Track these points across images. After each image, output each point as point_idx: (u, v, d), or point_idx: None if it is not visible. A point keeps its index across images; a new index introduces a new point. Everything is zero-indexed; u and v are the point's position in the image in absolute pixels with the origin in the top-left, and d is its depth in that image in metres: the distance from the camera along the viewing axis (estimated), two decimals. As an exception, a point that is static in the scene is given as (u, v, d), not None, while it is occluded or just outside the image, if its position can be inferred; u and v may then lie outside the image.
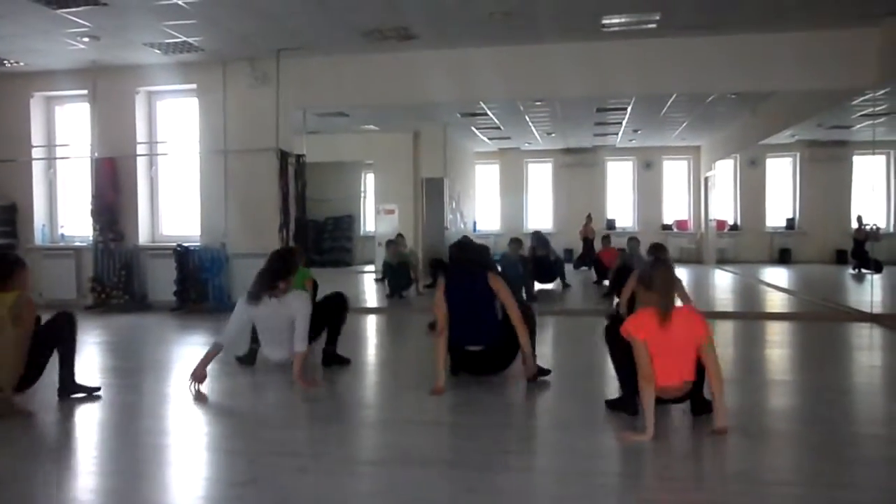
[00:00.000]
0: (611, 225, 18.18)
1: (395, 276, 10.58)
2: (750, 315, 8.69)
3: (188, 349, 6.83)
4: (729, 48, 8.30)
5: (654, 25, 7.89)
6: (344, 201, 18.27)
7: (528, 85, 9.13)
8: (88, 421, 4.31)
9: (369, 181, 17.70)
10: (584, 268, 15.47)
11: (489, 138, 16.87)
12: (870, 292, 9.66)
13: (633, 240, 10.46)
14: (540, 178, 19.65)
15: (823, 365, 5.88)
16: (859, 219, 14.63)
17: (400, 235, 11.95)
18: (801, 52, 8.20)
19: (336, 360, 5.58)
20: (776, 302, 10.10)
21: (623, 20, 7.75)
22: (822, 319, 8.15)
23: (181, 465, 3.49)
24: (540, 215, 19.29)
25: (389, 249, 10.95)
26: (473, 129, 15.26)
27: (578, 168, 18.92)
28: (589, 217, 16.37)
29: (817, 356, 6.45)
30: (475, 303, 4.82)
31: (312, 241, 15.24)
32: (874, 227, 11.93)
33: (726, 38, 8.24)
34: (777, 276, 14.10)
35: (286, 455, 3.49)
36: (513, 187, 19.40)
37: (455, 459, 3.45)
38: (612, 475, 3.29)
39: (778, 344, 7.04)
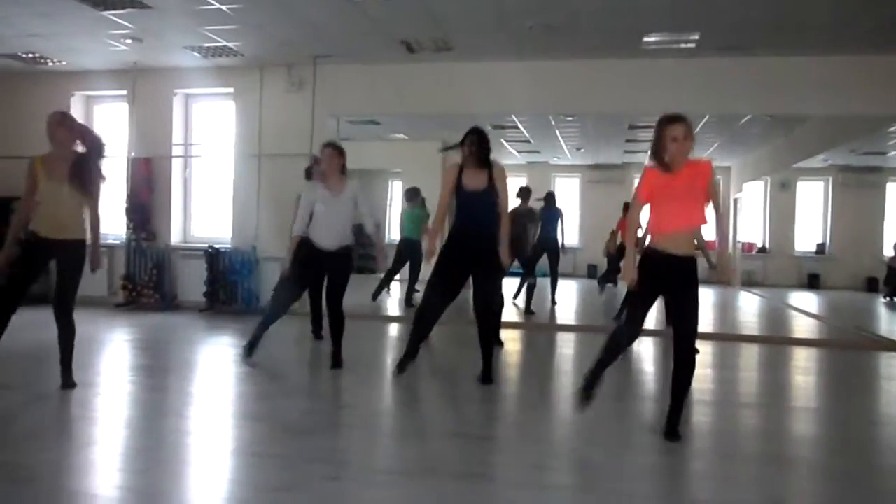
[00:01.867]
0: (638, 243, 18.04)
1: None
2: (776, 339, 8.55)
3: (216, 349, 6.90)
4: (764, 70, 8.24)
5: (692, 45, 7.86)
6: (370, 209, 18.30)
7: (561, 100, 9.12)
8: (114, 418, 4.35)
9: (397, 189, 17.77)
10: (609, 284, 15.34)
11: (518, 151, 16.87)
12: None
13: None
14: (567, 192, 19.58)
15: (852, 393, 5.79)
16: (896, 246, 14.44)
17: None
18: (836, 76, 8.12)
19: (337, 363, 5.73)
20: (804, 327, 9.95)
21: (663, 38, 7.73)
22: (852, 347, 8.01)
23: (212, 467, 3.51)
24: (566, 230, 19.17)
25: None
26: (503, 141, 15.26)
27: (606, 184, 18.84)
28: (614, 232, 16.20)
29: (846, 384, 6.34)
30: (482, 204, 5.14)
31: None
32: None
33: (762, 59, 8.18)
34: (806, 301, 13.90)
35: (316, 462, 3.50)
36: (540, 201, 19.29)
37: (487, 473, 3.42)
38: (650, 498, 3.25)
39: (805, 370, 6.94)
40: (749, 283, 16.58)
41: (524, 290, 10.07)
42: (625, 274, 4.02)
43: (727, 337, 8.37)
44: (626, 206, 13.25)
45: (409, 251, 10.09)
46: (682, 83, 8.52)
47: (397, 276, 10.72)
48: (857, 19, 6.91)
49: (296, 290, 5.89)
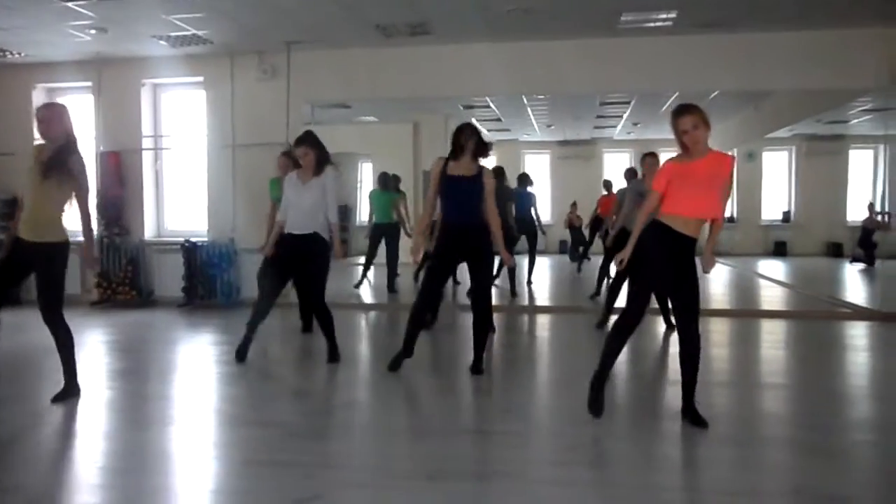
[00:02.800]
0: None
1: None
2: (749, 313, 8.68)
3: (199, 348, 6.77)
4: (739, 46, 8.28)
5: (670, 23, 7.86)
6: (339, 192, 18.10)
7: (538, 81, 9.04)
8: (96, 430, 4.25)
9: (366, 172, 17.60)
10: (585, 260, 15.38)
11: (488, 130, 16.77)
12: (875, 288, 9.75)
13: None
14: (537, 169, 19.60)
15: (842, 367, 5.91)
16: (870, 206, 14.67)
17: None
18: (808, 50, 8.19)
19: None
20: (777, 298, 10.13)
21: (640, 17, 7.71)
22: (827, 318, 8.19)
23: (225, 481, 3.43)
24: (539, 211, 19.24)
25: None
26: (473, 120, 15.18)
27: (575, 160, 18.92)
28: (574, 204, 16.32)
29: (833, 356, 6.48)
30: (470, 191, 5.14)
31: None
32: (886, 216, 11.85)
33: (738, 36, 8.21)
34: (774, 269, 14.17)
35: (335, 468, 3.45)
36: (509, 178, 19.28)
37: (507, 471, 3.41)
38: (673, 490, 3.27)
39: (788, 344, 7.08)
40: (717, 252, 16.77)
41: (504, 272, 10.04)
42: (622, 254, 4.09)
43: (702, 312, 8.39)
44: (607, 184, 13.34)
45: (381, 236, 10.06)
46: (659, 61, 8.53)
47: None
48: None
49: (276, 282, 5.81)
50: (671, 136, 4.02)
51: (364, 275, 10.38)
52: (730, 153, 16.88)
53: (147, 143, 9.51)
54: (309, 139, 5.64)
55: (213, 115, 9.21)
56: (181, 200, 9.80)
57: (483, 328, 5.34)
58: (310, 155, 5.56)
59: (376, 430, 4.13)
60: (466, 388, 5.09)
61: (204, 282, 8.94)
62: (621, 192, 8.71)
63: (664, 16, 7.65)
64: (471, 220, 5.15)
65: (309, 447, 3.79)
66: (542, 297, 10.34)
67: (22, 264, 4.56)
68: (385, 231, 10.02)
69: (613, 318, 4.71)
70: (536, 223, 10.85)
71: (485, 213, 5.18)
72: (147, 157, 9.53)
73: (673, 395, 4.42)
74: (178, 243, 9.08)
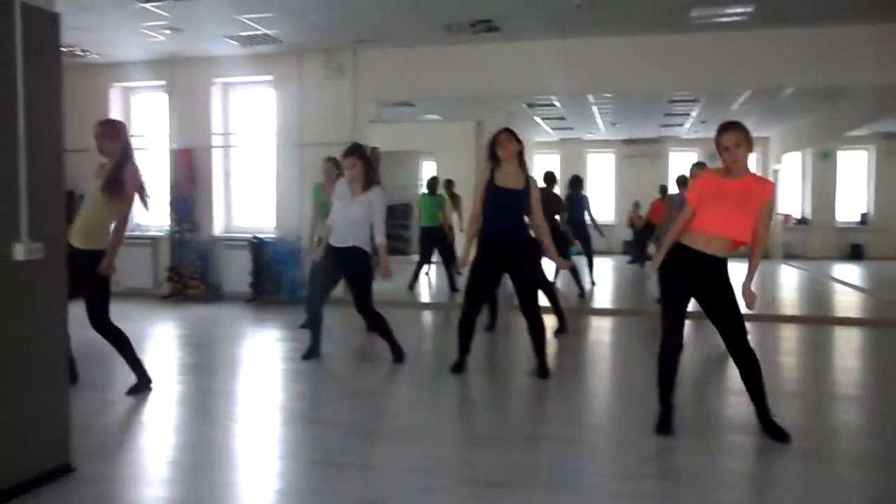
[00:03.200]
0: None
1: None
2: (823, 319, 8.26)
3: (265, 343, 6.86)
4: (816, 40, 7.93)
5: (745, 18, 7.60)
6: (400, 190, 18.18)
7: (605, 79, 8.85)
8: (165, 423, 4.32)
9: (428, 170, 17.62)
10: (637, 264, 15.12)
11: (552, 128, 16.63)
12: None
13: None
14: (601, 168, 19.33)
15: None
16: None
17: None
18: (890, 44, 7.79)
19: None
20: (852, 304, 9.68)
21: (713, 12, 7.47)
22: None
23: (291, 480, 3.45)
24: (600, 206, 18.97)
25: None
26: (537, 118, 15.04)
27: (641, 159, 18.55)
28: (636, 204, 16.01)
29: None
30: (517, 204, 5.09)
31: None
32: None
33: (816, 30, 7.87)
34: (850, 273, 13.59)
35: (403, 471, 3.43)
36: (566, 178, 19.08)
37: (577, 481, 3.33)
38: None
39: (856, 353, 6.76)
40: (789, 255, 16.26)
41: (563, 275, 9.89)
42: (653, 262, 4.06)
43: (771, 318, 8.08)
44: (663, 189, 13.03)
45: (431, 240, 10.15)
46: (731, 57, 8.25)
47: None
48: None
49: (322, 286, 5.85)
50: None
51: (416, 276, 10.38)
52: (801, 150, 16.34)
53: (217, 140, 9.71)
54: (357, 151, 5.65)
55: (281, 113, 9.34)
56: (249, 197, 9.97)
57: (538, 333, 5.27)
58: (357, 166, 5.56)
59: (440, 433, 4.10)
60: (530, 393, 5.02)
61: (270, 278, 9.09)
62: (670, 198, 8.52)
63: (739, 10, 7.40)
64: (510, 231, 5.10)
65: (373, 448, 3.78)
66: (605, 299, 10.15)
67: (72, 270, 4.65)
68: (432, 234, 10.11)
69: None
70: (591, 225, 10.72)
71: (529, 224, 5.15)
72: (217, 155, 9.73)
73: (746, 405, 4.26)
74: (245, 240, 9.26)
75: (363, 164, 5.58)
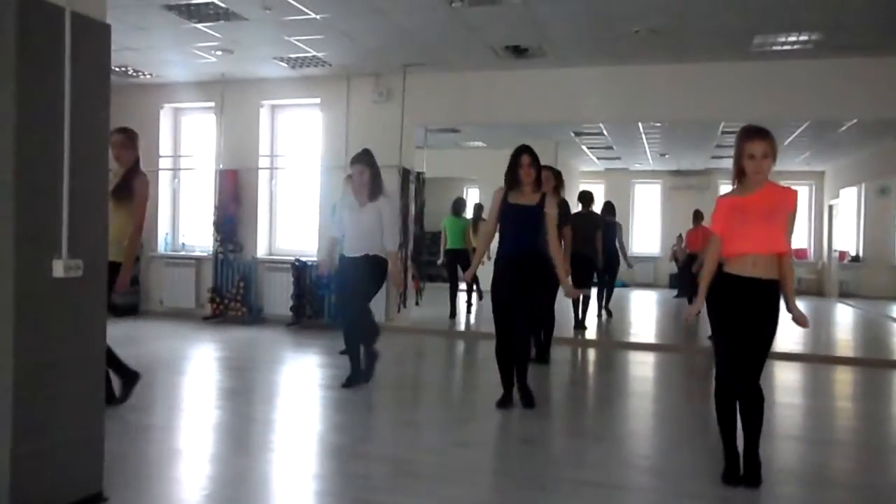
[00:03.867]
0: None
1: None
2: (880, 362, 7.75)
3: (305, 369, 6.70)
4: (881, 71, 7.61)
5: (809, 46, 7.31)
6: (441, 217, 18.07)
7: (657, 107, 8.63)
8: (202, 452, 4.15)
9: (472, 197, 17.47)
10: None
11: (598, 157, 16.39)
12: None
13: None
14: (647, 199, 18.98)
15: None
16: None
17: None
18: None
19: None
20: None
21: (776, 39, 7.21)
22: None
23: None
24: (646, 238, 18.61)
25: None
26: (584, 147, 14.83)
27: (688, 191, 18.14)
28: (680, 237, 15.58)
29: None
30: (530, 221, 4.91)
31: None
32: None
33: (880, 60, 7.55)
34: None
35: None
36: (618, 209, 18.76)
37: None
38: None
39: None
40: (843, 293, 15.65)
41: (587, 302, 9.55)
42: (692, 307, 3.69)
43: (820, 359, 7.69)
44: (697, 214, 12.54)
45: (454, 261, 10.03)
46: (792, 86, 7.96)
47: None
48: None
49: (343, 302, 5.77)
50: (793, 168, 3.66)
51: (453, 304, 10.13)
52: (857, 185, 15.78)
53: (263, 162, 9.69)
54: (366, 158, 5.57)
55: (328, 136, 9.28)
56: (293, 220, 9.90)
57: (520, 357, 5.09)
58: (366, 174, 5.48)
59: (486, 473, 3.86)
60: (579, 432, 4.75)
61: (312, 301, 8.97)
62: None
63: (804, 38, 7.12)
64: (526, 250, 4.91)
65: (417, 488, 3.55)
66: (647, 333, 9.79)
67: None
68: (458, 256, 9.96)
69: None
70: (620, 254, 10.50)
71: (543, 243, 4.93)
72: (263, 176, 9.70)
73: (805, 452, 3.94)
74: (288, 262, 9.17)
75: (371, 172, 5.50)
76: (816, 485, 3.78)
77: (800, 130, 11.75)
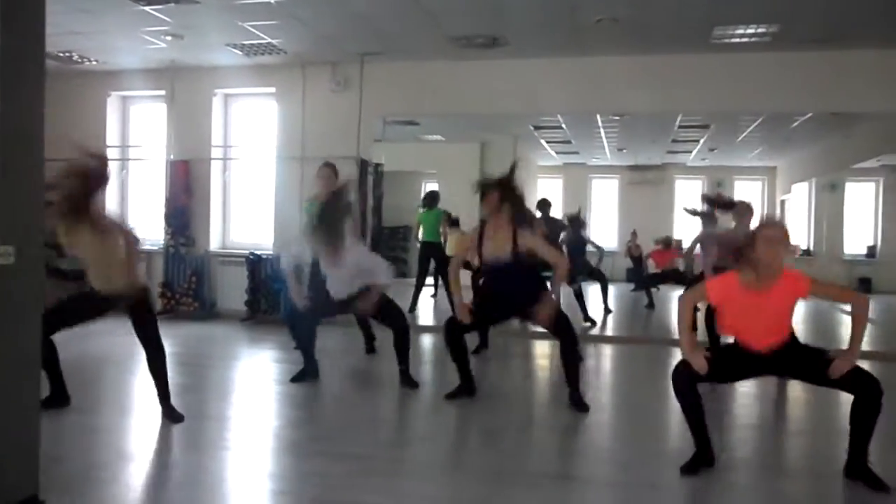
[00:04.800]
0: (678, 245, 17.52)
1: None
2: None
3: (260, 365, 6.49)
4: (838, 64, 7.69)
5: (768, 39, 7.35)
6: (400, 211, 17.88)
7: (617, 98, 8.57)
8: (169, 453, 3.95)
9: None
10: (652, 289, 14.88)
11: (557, 152, 16.39)
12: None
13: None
14: (604, 194, 19.09)
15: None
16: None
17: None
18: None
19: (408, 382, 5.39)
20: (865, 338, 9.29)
21: (737, 31, 7.22)
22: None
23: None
24: (603, 233, 18.70)
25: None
26: (543, 142, 14.80)
27: (645, 186, 18.32)
28: (634, 233, 15.78)
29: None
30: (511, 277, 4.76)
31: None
32: None
33: (838, 53, 7.61)
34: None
35: None
36: (575, 203, 18.85)
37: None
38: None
39: None
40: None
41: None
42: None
43: None
44: (667, 241, 12.85)
45: (429, 254, 9.93)
46: (747, 80, 7.99)
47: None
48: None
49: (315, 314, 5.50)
50: (745, 163, 3.64)
51: (416, 297, 9.96)
52: (808, 181, 16.12)
53: (216, 153, 9.40)
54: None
55: (284, 126, 9.04)
56: (247, 212, 9.64)
57: (570, 360, 4.88)
58: (332, 179, 5.66)
59: (448, 468, 3.74)
60: (539, 424, 4.66)
61: (267, 296, 8.74)
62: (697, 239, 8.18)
63: (762, 30, 7.15)
64: (509, 295, 4.80)
65: (376, 485, 3.41)
66: (609, 326, 9.80)
67: None
68: (430, 248, 9.88)
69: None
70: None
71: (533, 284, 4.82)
72: (216, 168, 9.41)
73: (790, 446, 3.91)
74: (242, 256, 8.91)
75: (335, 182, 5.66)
76: (770, 471, 3.74)
77: (754, 125, 11.88)
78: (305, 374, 5.53)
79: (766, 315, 3.41)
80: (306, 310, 5.31)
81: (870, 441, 3.40)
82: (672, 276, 11.54)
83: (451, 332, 4.94)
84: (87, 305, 4.36)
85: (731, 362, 3.61)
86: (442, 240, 10.12)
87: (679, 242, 13.03)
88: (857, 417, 3.38)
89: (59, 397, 4.50)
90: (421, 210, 10.36)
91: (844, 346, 3.47)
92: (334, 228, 4.98)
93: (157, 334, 4.47)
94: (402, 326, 5.38)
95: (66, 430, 4.11)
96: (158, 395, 4.44)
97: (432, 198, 10.34)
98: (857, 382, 3.36)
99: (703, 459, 3.59)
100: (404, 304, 9.60)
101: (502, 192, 4.74)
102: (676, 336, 5.35)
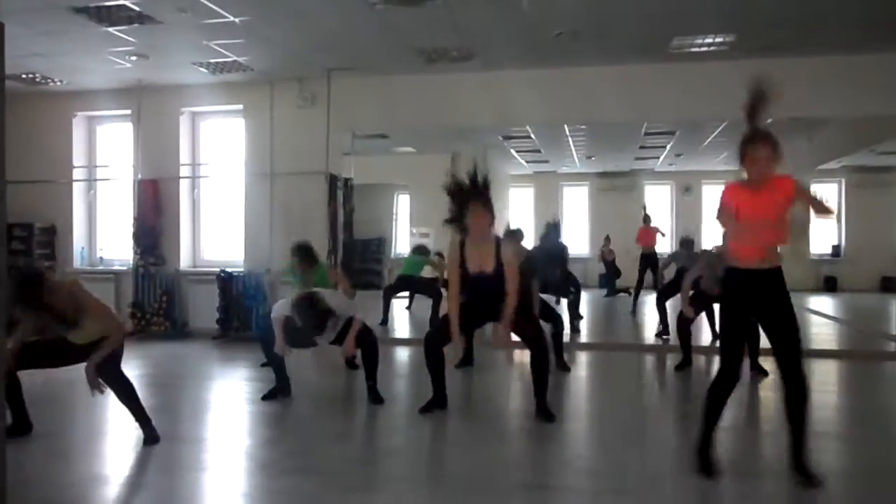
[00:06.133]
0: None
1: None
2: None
3: (233, 384, 6.47)
4: (795, 71, 7.88)
5: (726, 48, 7.52)
6: (374, 223, 17.91)
7: (582, 109, 8.74)
8: (141, 475, 3.94)
9: (402, 203, 17.45)
10: (623, 294, 15.10)
11: (527, 161, 16.54)
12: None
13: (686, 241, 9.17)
14: (575, 201, 19.27)
15: None
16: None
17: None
18: (868, 75, 7.79)
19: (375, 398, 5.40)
20: (829, 336, 9.49)
21: (694, 41, 7.39)
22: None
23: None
24: (575, 239, 18.86)
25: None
26: (512, 151, 14.94)
27: (615, 192, 18.54)
28: (608, 238, 15.98)
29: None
30: (492, 290, 4.77)
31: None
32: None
33: (794, 60, 7.82)
34: (826, 305, 13.52)
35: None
36: (547, 211, 19.00)
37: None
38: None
39: (837, 387, 6.57)
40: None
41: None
42: (683, 307, 3.71)
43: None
44: (646, 217, 13.02)
45: (405, 286, 10.27)
46: (709, 87, 8.16)
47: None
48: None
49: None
50: (713, 167, 3.71)
51: (386, 310, 10.06)
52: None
53: (185, 171, 9.38)
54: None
55: (252, 143, 9.06)
56: (218, 230, 9.62)
57: (539, 370, 4.91)
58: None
59: (423, 481, 3.78)
60: (517, 435, 4.71)
61: (239, 313, 8.72)
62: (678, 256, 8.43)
63: (719, 40, 7.33)
64: (485, 310, 4.86)
65: (350, 501, 3.44)
66: (584, 333, 9.89)
67: None
68: (407, 282, 10.17)
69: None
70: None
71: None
72: (185, 186, 9.39)
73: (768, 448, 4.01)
74: (213, 273, 8.89)
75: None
76: (752, 475, 3.83)
77: (718, 131, 12.10)
78: (277, 392, 5.54)
79: (764, 209, 3.50)
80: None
81: (805, 434, 3.53)
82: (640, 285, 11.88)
83: (431, 343, 4.97)
84: (63, 353, 4.35)
85: (734, 299, 3.65)
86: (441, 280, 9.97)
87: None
88: (790, 409, 3.54)
89: (21, 425, 4.45)
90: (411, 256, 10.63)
91: (817, 346, 3.57)
92: (317, 318, 4.97)
93: (118, 372, 4.41)
94: (371, 342, 5.40)
95: (35, 454, 4.08)
96: (136, 420, 4.41)
97: (422, 249, 10.64)
98: (792, 371, 3.52)
99: (704, 463, 3.69)
100: (374, 316, 9.70)
101: (489, 209, 4.77)
102: (648, 342, 5.41)
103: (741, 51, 7.62)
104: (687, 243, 8.89)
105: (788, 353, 3.56)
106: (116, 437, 4.51)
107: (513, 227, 8.52)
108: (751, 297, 3.59)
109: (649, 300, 11.68)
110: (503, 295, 4.77)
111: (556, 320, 6.82)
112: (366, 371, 5.44)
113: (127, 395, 4.41)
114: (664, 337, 8.39)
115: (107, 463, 4.17)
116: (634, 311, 11.69)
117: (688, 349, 6.74)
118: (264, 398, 5.50)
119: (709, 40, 7.35)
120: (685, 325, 6.63)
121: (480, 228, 4.73)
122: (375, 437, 4.82)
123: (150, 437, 4.38)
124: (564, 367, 6.77)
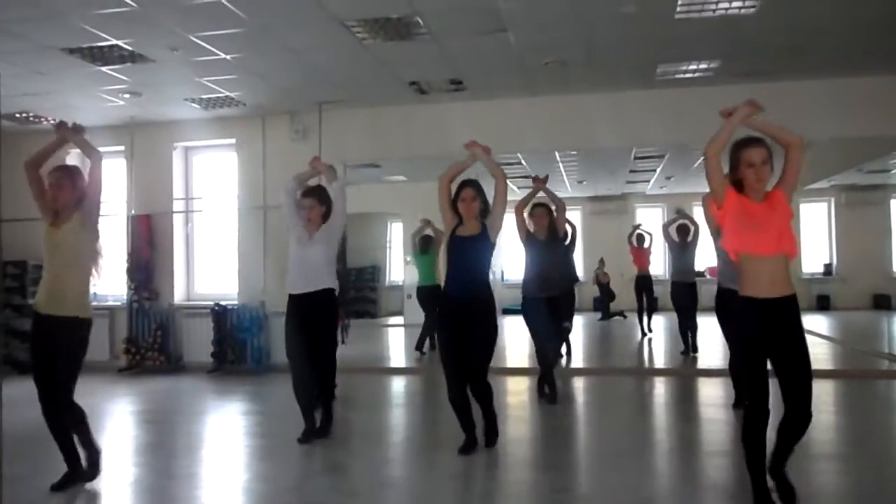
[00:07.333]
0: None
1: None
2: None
3: (228, 418, 6.46)
4: (780, 95, 7.93)
5: (711, 74, 7.65)
6: (368, 252, 17.97)
7: (572, 136, 8.84)
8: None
9: (396, 231, 17.49)
10: (618, 317, 15.20)
11: (518, 187, 16.60)
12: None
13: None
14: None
15: None
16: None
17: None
18: (852, 97, 7.92)
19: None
20: (824, 355, 9.54)
21: (679, 68, 7.51)
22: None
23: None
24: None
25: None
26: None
27: (607, 216, 18.63)
28: (602, 261, 16.03)
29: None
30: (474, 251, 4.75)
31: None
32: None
33: (778, 84, 7.92)
34: (819, 324, 13.56)
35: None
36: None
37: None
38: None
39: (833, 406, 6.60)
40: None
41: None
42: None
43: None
44: (640, 238, 13.05)
45: (429, 298, 9.77)
46: (696, 112, 8.22)
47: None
48: (876, 40, 6.72)
49: (297, 345, 5.24)
50: (703, 189, 3.65)
51: (423, 337, 9.92)
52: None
53: (178, 205, 9.43)
54: (318, 194, 5.38)
55: (245, 176, 9.12)
56: (211, 263, 9.64)
57: (485, 407, 4.84)
58: (315, 210, 5.26)
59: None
60: (518, 465, 4.72)
61: (234, 346, 8.72)
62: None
63: (703, 66, 7.45)
64: (470, 291, 4.69)
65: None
66: (580, 358, 9.91)
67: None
68: (429, 292, 9.71)
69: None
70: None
71: (487, 284, 4.79)
72: (178, 220, 9.42)
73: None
74: (207, 307, 8.89)
75: (322, 211, 5.29)
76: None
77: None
78: (310, 434, 5.25)
79: (767, 222, 3.34)
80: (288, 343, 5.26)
81: (792, 449, 3.46)
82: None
83: (454, 388, 4.74)
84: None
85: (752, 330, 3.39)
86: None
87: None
88: (785, 432, 3.42)
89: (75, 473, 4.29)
90: (410, 258, 10.39)
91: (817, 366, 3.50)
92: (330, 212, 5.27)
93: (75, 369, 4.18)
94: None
95: (24, 496, 4.06)
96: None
97: (426, 242, 10.18)
98: (798, 397, 3.35)
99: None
100: (378, 345, 9.71)
101: (480, 194, 4.90)
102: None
103: (726, 76, 7.74)
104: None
105: (799, 389, 3.36)
106: (110, 474, 4.49)
107: None
108: (767, 329, 3.34)
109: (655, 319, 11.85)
110: (484, 270, 4.77)
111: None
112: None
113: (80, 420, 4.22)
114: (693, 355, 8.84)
115: (100, 500, 4.14)
116: (649, 329, 11.75)
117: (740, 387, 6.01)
118: (301, 441, 5.21)
119: (693, 66, 7.47)
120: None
121: (471, 212, 4.79)
122: (371, 470, 4.81)
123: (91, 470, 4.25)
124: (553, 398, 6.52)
